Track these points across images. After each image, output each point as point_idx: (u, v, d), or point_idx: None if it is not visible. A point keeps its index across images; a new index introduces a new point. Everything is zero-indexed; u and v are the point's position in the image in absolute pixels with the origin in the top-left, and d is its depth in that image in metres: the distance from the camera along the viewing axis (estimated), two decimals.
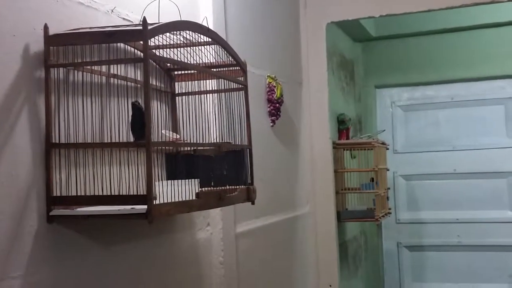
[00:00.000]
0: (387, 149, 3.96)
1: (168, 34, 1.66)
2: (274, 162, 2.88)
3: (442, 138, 4.54)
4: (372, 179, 3.58)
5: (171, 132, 1.82)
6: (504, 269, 4.37)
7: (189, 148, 1.79)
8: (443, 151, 4.51)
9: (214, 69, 1.90)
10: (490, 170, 4.40)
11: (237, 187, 1.86)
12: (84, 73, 1.57)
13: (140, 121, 1.51)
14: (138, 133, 1.56)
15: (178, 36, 1.73)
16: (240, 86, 1.95)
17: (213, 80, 1.97)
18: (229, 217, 2.36)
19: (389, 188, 3.94)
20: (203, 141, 1.78)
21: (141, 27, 1.42)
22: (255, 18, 2.78)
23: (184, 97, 1.92)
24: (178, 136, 1.81)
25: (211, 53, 1.87)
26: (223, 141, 1.89)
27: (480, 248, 4.42)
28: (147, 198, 1.39)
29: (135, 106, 1.58)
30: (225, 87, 1.94)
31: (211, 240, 2.25)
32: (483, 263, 4.42)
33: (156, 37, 1.61)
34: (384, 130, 4.32)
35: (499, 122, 4.42)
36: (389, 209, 3.90)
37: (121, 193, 1.54)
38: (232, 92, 1.95)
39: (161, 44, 1.69)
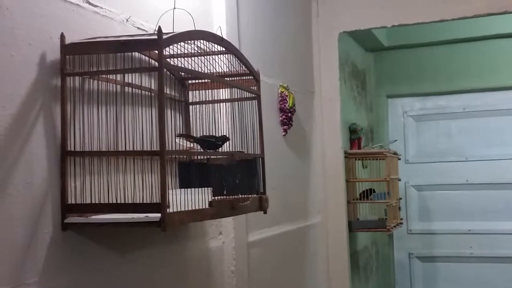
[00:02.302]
0: (399, 159, 3.95)
1: (182, 43, 1.67)
2: (286, 171, 2.88)
3: (454, 148, 4.52)
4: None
5: (184, 141, 1.82)
6: None
7: (202, 157, 1.80)
8: (455, 162, 4.49)
9: (227, 79, 1.91)
10: (503, 181, 4.37)
11: (250, 196, 1.86)
12: (100, 81, 1.59)
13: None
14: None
15: (192, 46, 1.74)
16: (253, 95, 1.96)
17: (226, 89, 1.98)
18: (241, 226, 2.36)
19: (400, 198, 3.93)
20: (216, 150, 1.78)
21: (156, 37, 1.43)
22: (267, 28, 2.79)
23: (197, 106, 1.93)
24: (192, 145, 1.82)
25: (224, 62, 1.88)
26: (235, 150, 1.90)
27: (493, 260, 4.39)
28: (160, 206, 1.40)
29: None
30: (238, 96, 1.95)
31: (223, 249, 2.25)
32: (496, 275, 4.38)
33: (171, 47, 1.62)
34: (396, 140, 4.31)
35: None
36: (401, 219, 3.88)
37: (135, 201, 1.54)
38: (245, 101, 1.95)
39: (176, 53, 1.70)
